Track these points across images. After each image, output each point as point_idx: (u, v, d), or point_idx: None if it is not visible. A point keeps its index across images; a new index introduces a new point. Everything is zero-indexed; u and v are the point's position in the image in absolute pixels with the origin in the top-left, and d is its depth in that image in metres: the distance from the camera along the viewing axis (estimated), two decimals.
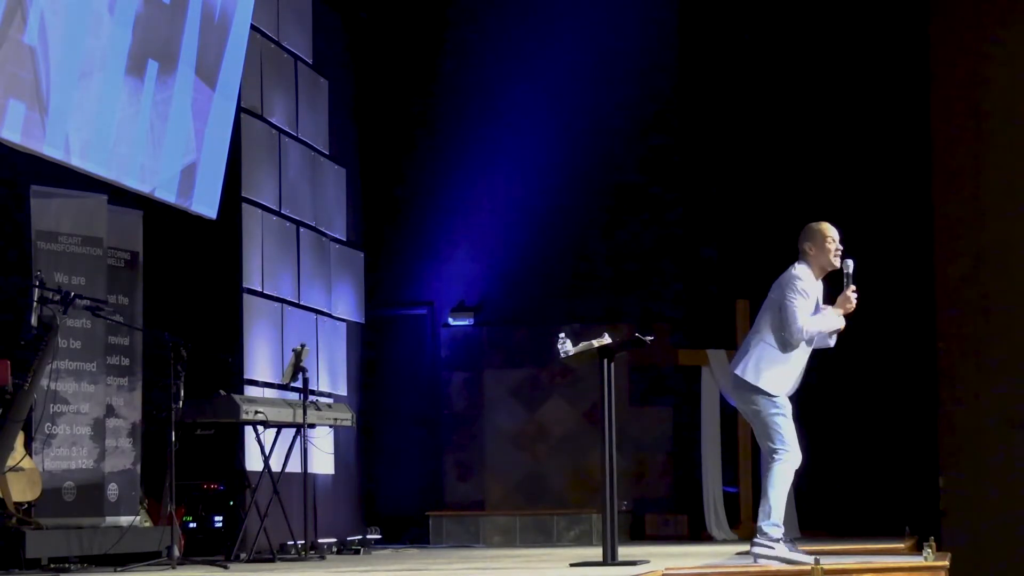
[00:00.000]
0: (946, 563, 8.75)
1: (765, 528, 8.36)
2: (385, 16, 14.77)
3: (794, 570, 8.22)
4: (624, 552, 8.64)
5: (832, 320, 8.53)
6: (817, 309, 8.52)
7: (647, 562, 8.49)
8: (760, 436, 8.49)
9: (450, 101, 14.71)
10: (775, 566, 8.25)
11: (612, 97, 14.45)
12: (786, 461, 8.38)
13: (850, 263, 8.55)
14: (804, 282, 8.46)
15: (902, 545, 10.81)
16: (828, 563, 8.14)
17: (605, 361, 8.35)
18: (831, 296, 8.67)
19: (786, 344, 8.44)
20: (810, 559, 8.26)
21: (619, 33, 14.44)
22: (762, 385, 8.39)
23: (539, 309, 14.44)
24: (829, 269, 8.57)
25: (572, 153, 14.39)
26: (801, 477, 13.78)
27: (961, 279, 13.81)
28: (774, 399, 8.40)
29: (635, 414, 14.25)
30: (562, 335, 8.50)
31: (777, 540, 8.32)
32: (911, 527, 11.54)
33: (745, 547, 9.05)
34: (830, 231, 8.60)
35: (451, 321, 14.66)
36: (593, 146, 14.44)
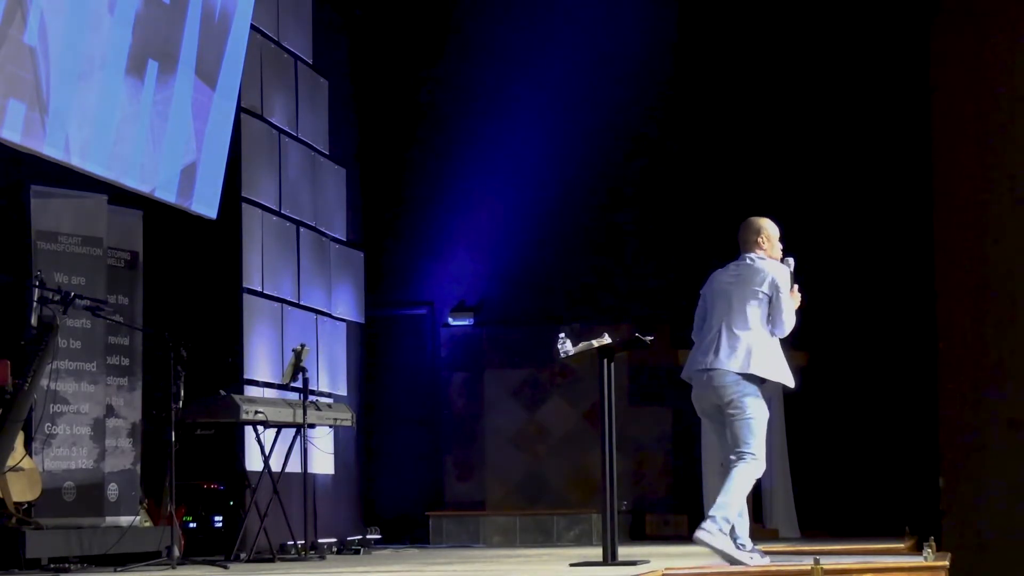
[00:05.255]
0: (946, 563, 8.75)
1: (719, 520, 8.16)
2: (385, 16, 14.77)
3: (793, 569, 8.23)
4: (624, 552, 8.64)
5: None
6: None
7: (647, 562, 8.50)
8: (733, 436, 8.32)
9: (450, 101, 14.71)
10: (788, 565, 8.25)
11: (612, 97, 14.45)
12: (755, 462, 8.28)
13: (791, 261, 8.52)
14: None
15: (902, 545, 10.81)
16: (828, 563, 8.14)
17: (605, 361, 8.36)
18: None
19: (774, 339, 8.40)
20: (764, 559, 8.26)
21: (618, 33, 14.44)
22: (774, 377, 8.30)
23: (539, 309, 14.43)
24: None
25: (572, 153, 14.38)
26: (801, 477, 13.88)
27: (962, 279, 13.80)
28: (762, 401, 8.32)
29: (635, 414, 14.24)
30: (562, 335, 8.50)
31: (726, 535, 8.18)
32: (911, 527, 11.54)
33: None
34: (776, 227, 8.61)
35: (451, 321, 14.66)
36: (593, 146, 14.44)
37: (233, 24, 11.03)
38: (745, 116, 14.29)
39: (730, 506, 8.18)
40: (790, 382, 8.44)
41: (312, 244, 13.07)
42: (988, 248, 13.79)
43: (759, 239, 8.49)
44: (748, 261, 8.49)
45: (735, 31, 14.39)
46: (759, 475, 8.33)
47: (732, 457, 8.30)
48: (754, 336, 8.32)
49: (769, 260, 8.47)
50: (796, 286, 8.45)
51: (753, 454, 8.25)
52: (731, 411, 8.32)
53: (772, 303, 8.34)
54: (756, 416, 8.28)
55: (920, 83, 13.90)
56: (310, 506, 10.85)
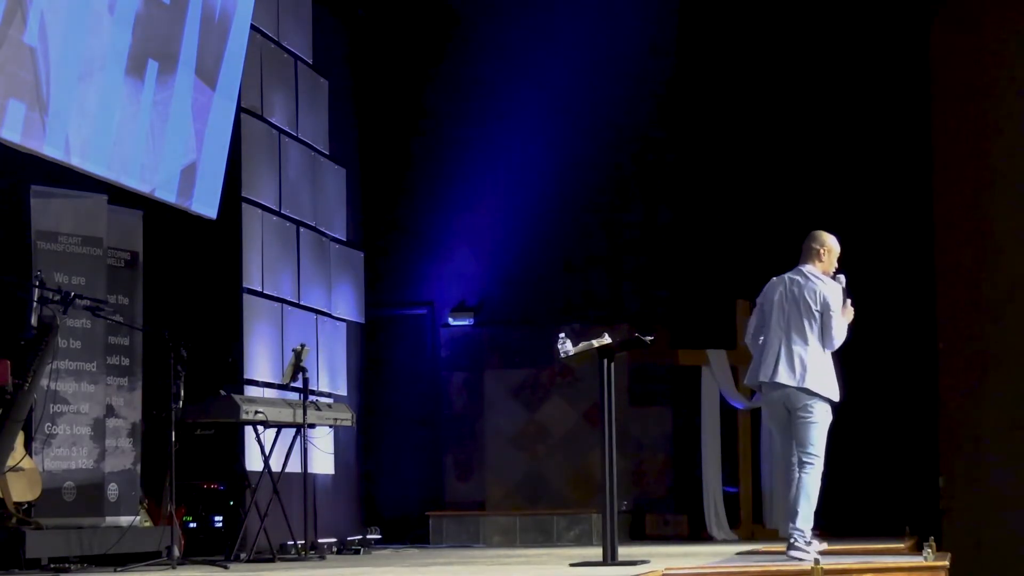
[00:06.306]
0: (946, 563, 8.76)
1: (805, 532, 8.86)
2: (385, 16, 14.76)
3: (793, 569, 8.24)
4: (624, 552, 8.64)
5: None
6: None
7: (647, 562, 8.49)
8: (798, 437, 8.95)
9: (450, 101, 14.70)
10: (788, 565, 8.50)
11: (611, 97, 14.44)
12: (818, 468, 8.92)
13: (842, 278, 9.14)
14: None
15: (902, 545, 10.82)
16: (828, 563, 8.15)
17: (605, 361, 8.36)
18: None
19: (827, 354, 9.07)
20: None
21: (618, 33, 14.44)
22: (828, 395, 8.97)
23: (539, 309, 14.43)
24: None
25: (572, 153, 14.38)
26: None
27: (961, 279, 13.81)
28: (830, 407, 8.98)
29: (635, 414, 14.24)
30: (562, 335, 8.52)
31: (810, 543, 8.84)
32: (911, 527, 11.55)
33: (745, 547, 9.10)
34: (838, 244, 9.24)
35: (451, 321, 14.65)
36: (592, 146, 14.44)
37: (233, 24, 11.02)
38: (745, 116, 14.30)
39: (811, 516, 8.88)
40: (836, 397, 9.06)
41: (312, 244, 13.07)
42: (988, 248, 13.80)
43: (821, 251, 9.12)
44: (805, 276, 9.08)
45: (736, 31, 14.39)
46: (820, 475, 8.94)
47: (795, 460, 8.97)
48: (811, 352, 9.00)
49: (825, 278, 9.06)
50: (848, 301, 9.07)
51: (815, 455, 8.94)
52: (801, 415, 9.00)
53: (823, 320, 8.96)
54: (820, 421, 8.99)
55: (920, 83, 13.92)
56: (310, 506, 10.85)
